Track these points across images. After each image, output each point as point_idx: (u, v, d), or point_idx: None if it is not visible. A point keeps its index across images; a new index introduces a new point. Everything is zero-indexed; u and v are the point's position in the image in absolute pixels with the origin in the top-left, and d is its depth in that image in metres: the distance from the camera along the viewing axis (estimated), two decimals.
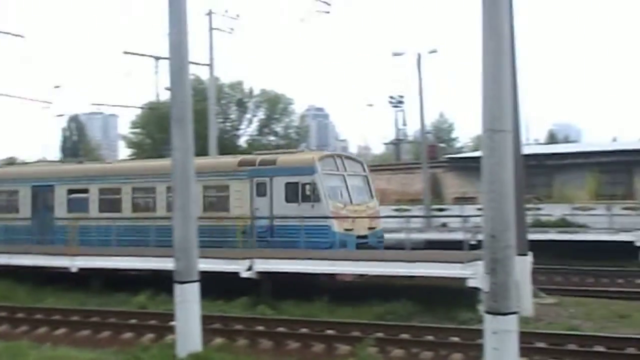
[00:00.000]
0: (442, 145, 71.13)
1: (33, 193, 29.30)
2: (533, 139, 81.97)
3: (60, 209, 28.32)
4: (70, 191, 28.39)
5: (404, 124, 61.05)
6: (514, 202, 9.38)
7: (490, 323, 9.19)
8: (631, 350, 14.09)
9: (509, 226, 9.19)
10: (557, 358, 13.79)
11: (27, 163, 45.61)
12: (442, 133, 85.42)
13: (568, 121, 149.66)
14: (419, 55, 41.92)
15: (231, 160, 26.25)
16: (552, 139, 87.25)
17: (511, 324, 9.16)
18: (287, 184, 23.44)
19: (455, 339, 15.30)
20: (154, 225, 24.53)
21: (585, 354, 14.00)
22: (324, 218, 22.54)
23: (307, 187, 23.01)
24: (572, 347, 14.46)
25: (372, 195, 25.21)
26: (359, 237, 23.03)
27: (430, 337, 15.53)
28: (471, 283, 17.78)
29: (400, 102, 59.68)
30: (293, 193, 23.30)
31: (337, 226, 22.60)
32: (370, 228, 23.86)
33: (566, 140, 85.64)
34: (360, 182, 25.11)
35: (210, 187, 25.01)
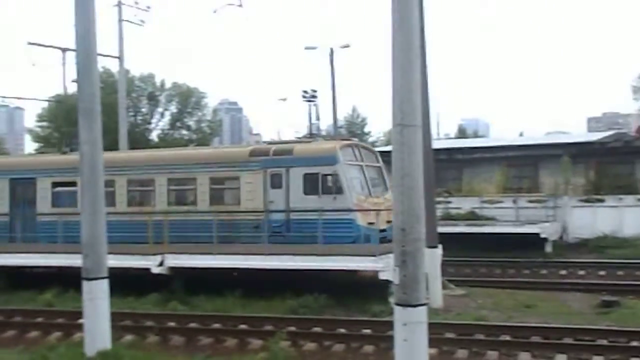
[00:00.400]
0: (354, 139, 71.55)
1: (11, 186, 27.08)
2: (443, 133, 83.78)
3: (43, 204, 26.26)
4: (55, 184, 26.26)
5: (317, 118, 61.05)
6: (424, 196, 9.51)
7: (400, 315, 9.30)
8: (536, 339, 14.54)
9: (419, 219, 9.32)
10: (466, 348, 14.08)
11: None
12: (354, 127, 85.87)
13: (477, 116, 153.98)
14: (332, 50, 42.18)
15: (242, 150, 24.95)
16: (461, 133, 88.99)
17: (421, 315, 9.29)
18: (306, 175, 21.92)
19: (367, 331, 15.49)
20: (151, 220, 21.90)
21: (492, 343, 14.37)
22: (348, 211, 21.10)
23: (329, 178, 21.60)
24: (480, 337, 14.83)
25: (387, 187, 23.35)
26: (380, 231, 21.56)
27: (342, 330, 15.68)
28: (383, 276, 17.97)
29: (314, 97, 59.75)
30: (313, 184, 21.78)
31: (361, 219, 21.15)
32: (388, 222, 22.86)
33: (475, 135, 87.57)
34: (376, 173, 23.61)
35: (218, 178, 23.71)
